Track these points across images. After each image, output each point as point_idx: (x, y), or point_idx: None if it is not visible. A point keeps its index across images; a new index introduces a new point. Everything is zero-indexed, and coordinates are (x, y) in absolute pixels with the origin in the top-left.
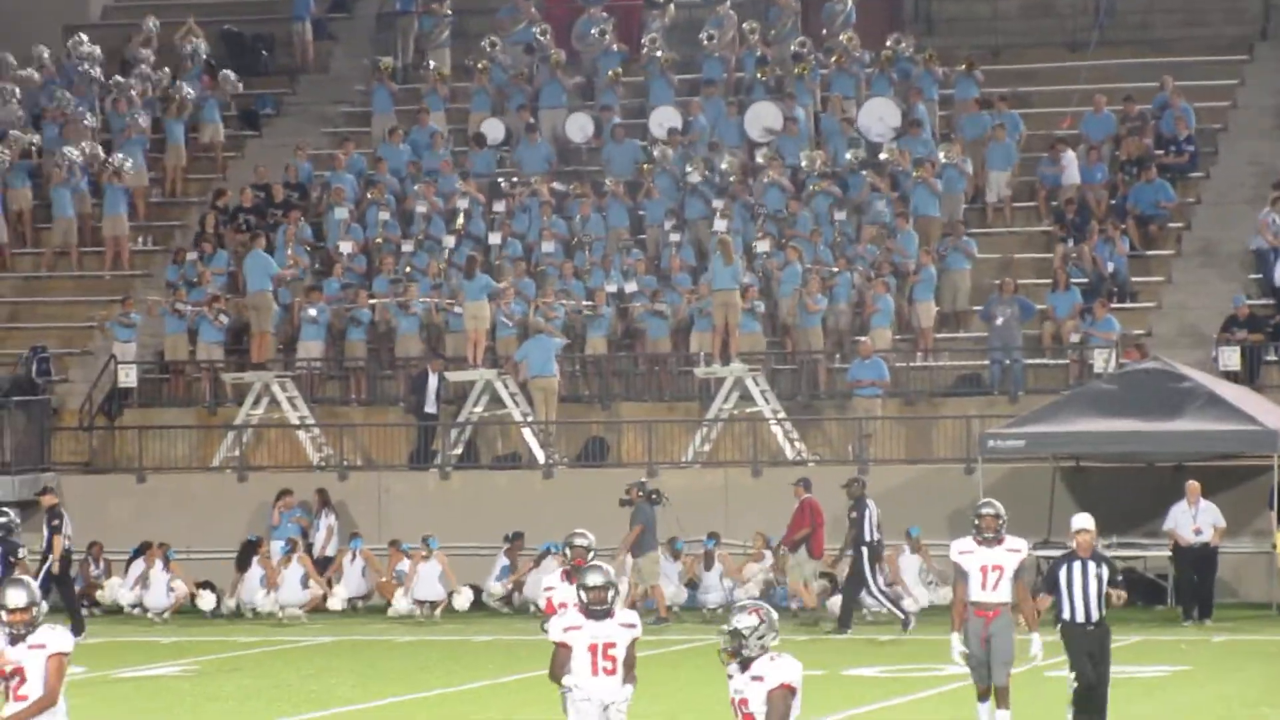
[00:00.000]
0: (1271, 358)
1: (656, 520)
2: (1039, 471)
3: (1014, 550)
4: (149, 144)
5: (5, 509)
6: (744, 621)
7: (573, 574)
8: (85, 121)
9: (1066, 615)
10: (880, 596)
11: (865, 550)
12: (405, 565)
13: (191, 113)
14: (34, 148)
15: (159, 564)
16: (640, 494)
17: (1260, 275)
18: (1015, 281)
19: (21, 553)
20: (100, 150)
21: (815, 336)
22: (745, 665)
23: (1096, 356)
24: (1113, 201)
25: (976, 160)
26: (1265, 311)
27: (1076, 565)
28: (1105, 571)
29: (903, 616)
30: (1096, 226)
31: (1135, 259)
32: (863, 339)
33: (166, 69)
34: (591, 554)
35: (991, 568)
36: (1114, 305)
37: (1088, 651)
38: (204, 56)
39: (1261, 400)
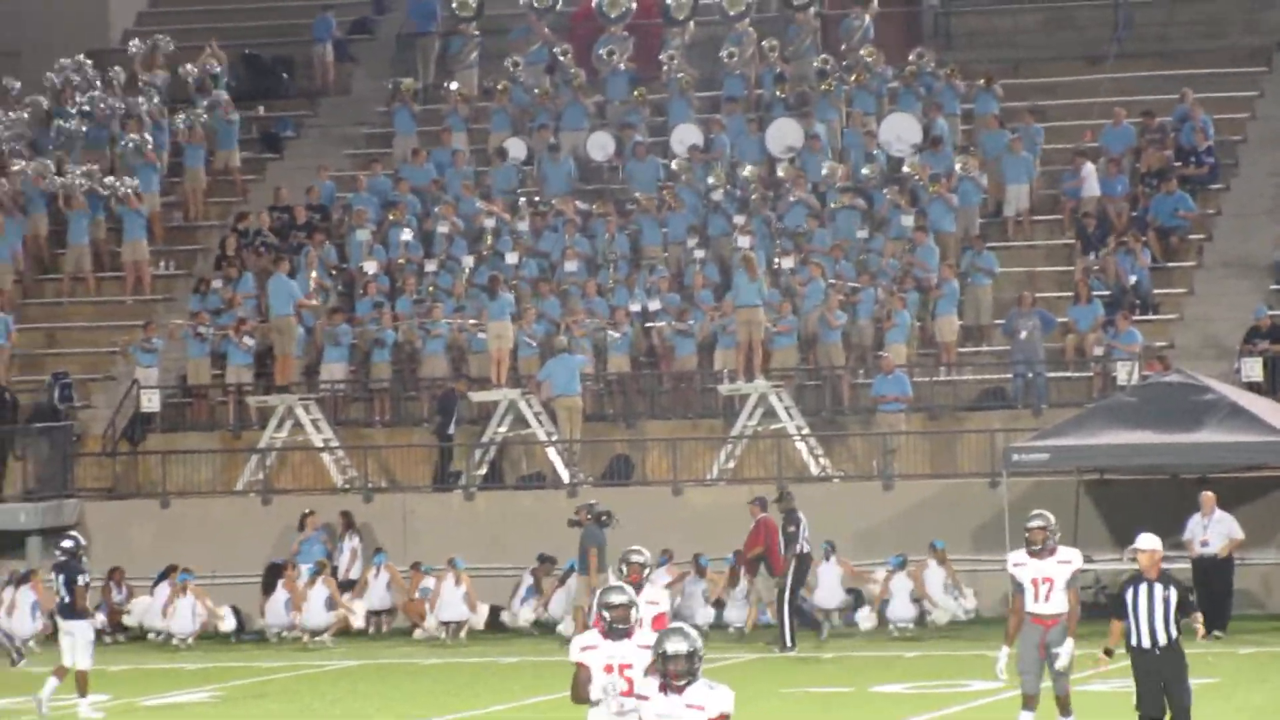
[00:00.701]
0: None
1: (607, 542)
2: (1063, 485)
3: (1065, 562)
4: (166, 168)
5: (73, 533)
6: (686, 645)
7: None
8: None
9: (1134, 640)
10: (786, 611)
11: (796, 562)
12: (430, 583)
13: (209, 137)
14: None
15: (184, 593)
16: (589, 516)
17: None
18: (1034, 295)
19: (82, 579)
20: (110, 177)
21: (837, 352)
22: (676, 690)
23: (1119, 369)
24: (1133, 214)
25: (998, 174)
26: None
27: (1143, 587)
28: (1174, 594)
29: (789, 645)
30: (1117, 239)
31: (1157, 271)
32: (884, 354)
33: (156, 102)
34: (648, 570)
35: (1043, 580)
36: (1136, 317)
37: (1159, 679)
38: (224, 80)
39: None
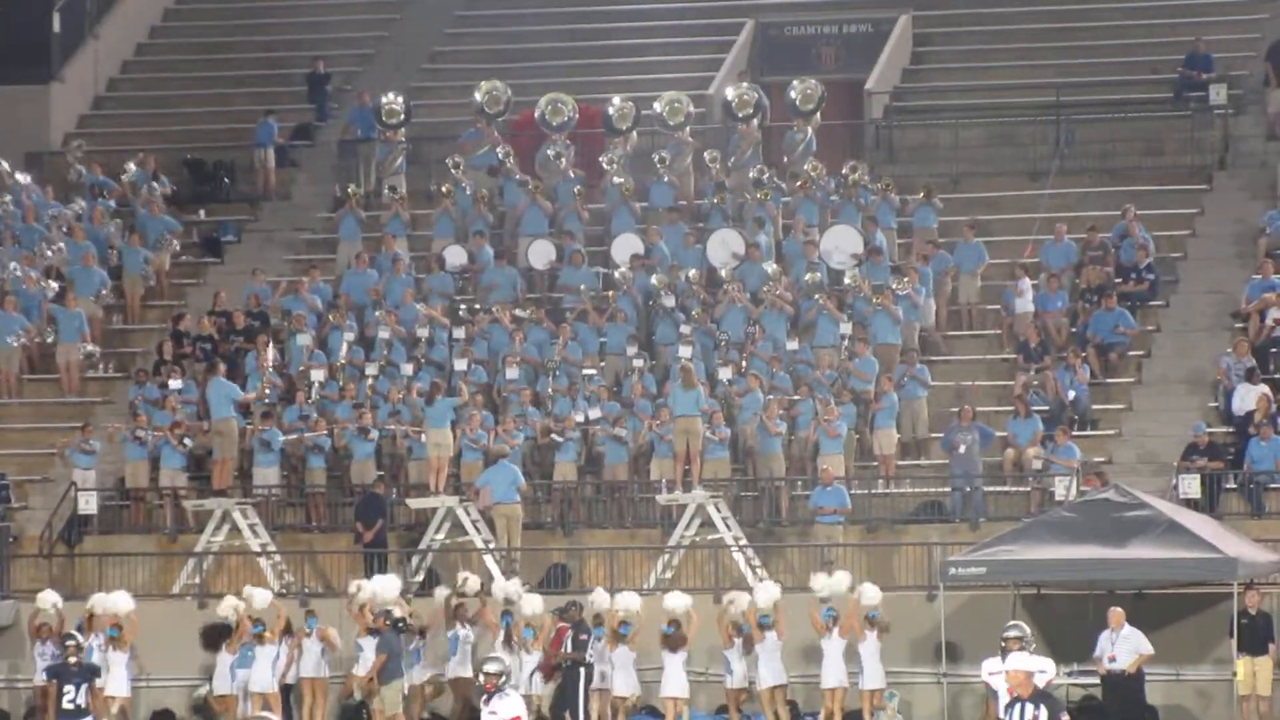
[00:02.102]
0: (1231, 485)
1: (402, 649)
2: (1000, 598)
3: (1040, 671)
4: (109, 271)
5: (73, 634)
6: (500, 665)
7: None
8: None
9: None
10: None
11: (584, 672)
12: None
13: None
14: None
15: (112, 647)
16: (387, 623)
17: (1219, 404)
18: (973, 409)
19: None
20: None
21: (777, 462)
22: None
23: (1057, 484)
24: (1073, 329)
25: (943, 287)
26: (1225, 439)
27: (1016, 708)
28: (1044, 713)
29: None
30: (1057, 354)
31: (1096, 387)
32: (824, 466)
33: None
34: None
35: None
36: (1074, 433)
37: None
38: (156, 186)
39: (1221, 528)
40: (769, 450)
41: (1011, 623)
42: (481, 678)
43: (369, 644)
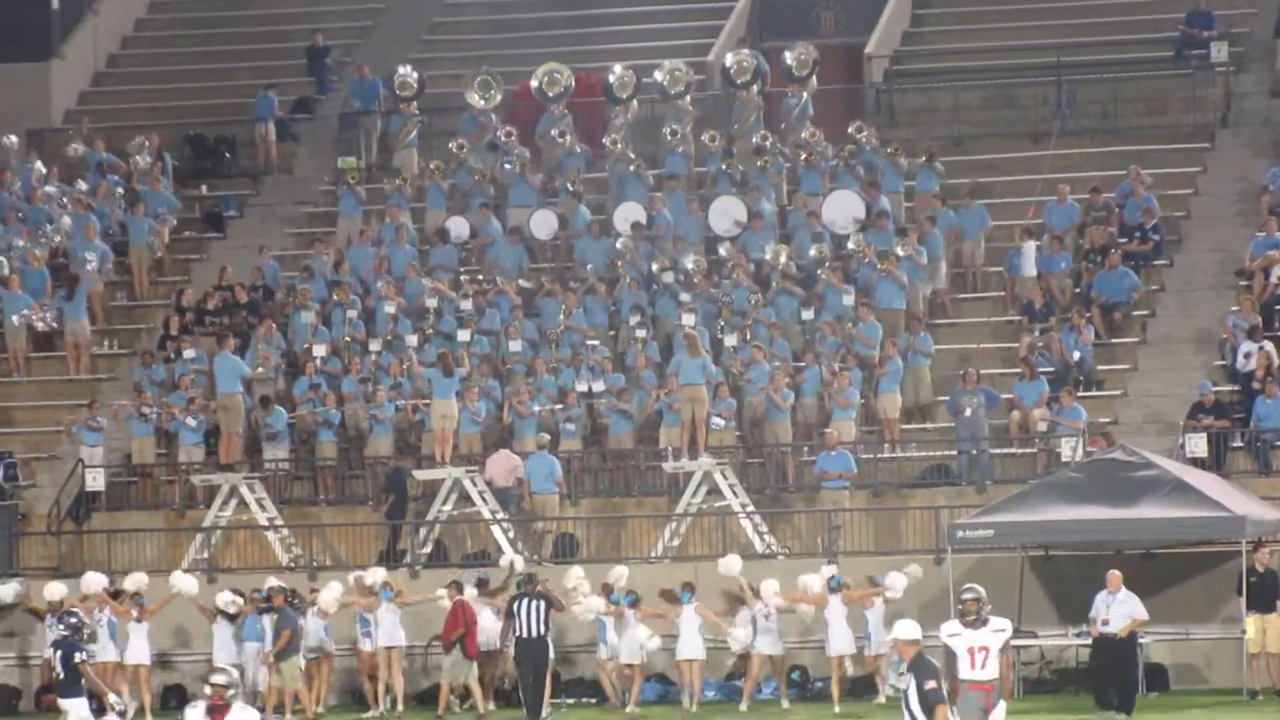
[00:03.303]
0: (1238, 444)
1: (299, 624)
2: (1008, 561)
3: (999, 630)
4: (112, 248)
5: (74, 610)
6: (227, 677)
7: (214, 711)
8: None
9: None
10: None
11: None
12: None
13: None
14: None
15: (137, 616)
16: (285, 599)
17: (1225, 362)
18: (978, 372)
19: (79, 656)
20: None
21: (784, 430)
22: (224, 712)
23: (1063, 445)
24: (1077, 290)
25: (948, 250)
26: (1231, 397)
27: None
28: (911, 681)
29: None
30: (1061, 315)
31: (1101, 347)
32: (828, 430)
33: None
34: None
35: (979, 648)
36: (1080, 394)
37: None
38: (153, 161)
39: (1229, 486)
40: (775, 418)
41: (967, 585)
42: (208, 689)
43: (368, 618)
